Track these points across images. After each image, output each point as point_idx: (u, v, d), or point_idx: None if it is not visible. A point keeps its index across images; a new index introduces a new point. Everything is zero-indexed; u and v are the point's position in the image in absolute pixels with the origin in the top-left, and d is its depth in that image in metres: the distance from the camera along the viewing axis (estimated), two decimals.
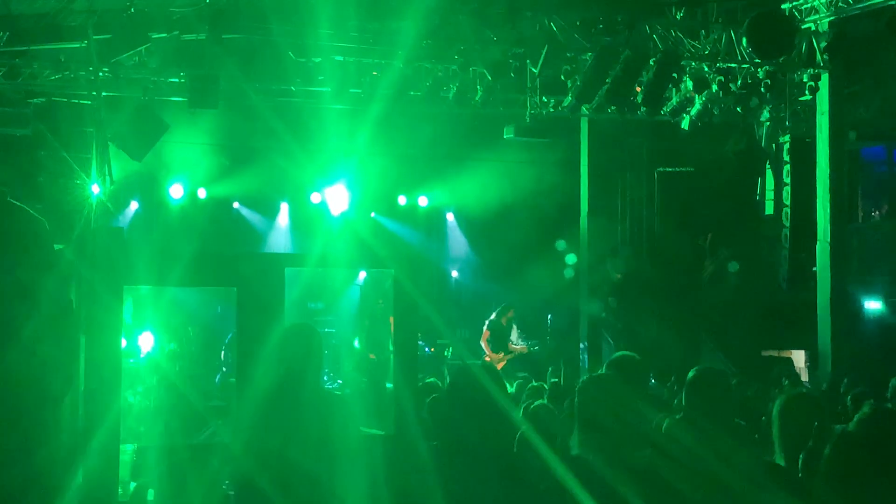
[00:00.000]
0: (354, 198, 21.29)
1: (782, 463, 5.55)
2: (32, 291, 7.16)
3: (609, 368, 5.89)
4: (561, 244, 20.43)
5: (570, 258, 20.00)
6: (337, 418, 5.68)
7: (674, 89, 15.43)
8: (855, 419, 3.70)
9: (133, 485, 9.18)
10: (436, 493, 5.13)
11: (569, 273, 20.10)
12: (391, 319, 14.25)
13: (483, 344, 18.29)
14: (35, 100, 14.02)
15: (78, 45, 13.85)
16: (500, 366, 17.72)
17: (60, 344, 7.63)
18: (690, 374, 5.59)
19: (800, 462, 5.37)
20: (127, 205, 19.88)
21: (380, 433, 9.50)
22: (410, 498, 5.36)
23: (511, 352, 18.29)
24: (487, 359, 17.95)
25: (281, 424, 5.55)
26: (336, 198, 21.18)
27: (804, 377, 17.66)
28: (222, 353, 17.70)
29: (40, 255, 7.14)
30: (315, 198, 21.17)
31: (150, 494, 5.81)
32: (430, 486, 5.20)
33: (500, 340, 18.28)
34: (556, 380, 13.01)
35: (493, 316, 18.62)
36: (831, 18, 15.03)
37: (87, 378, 8.51)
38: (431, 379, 13.19)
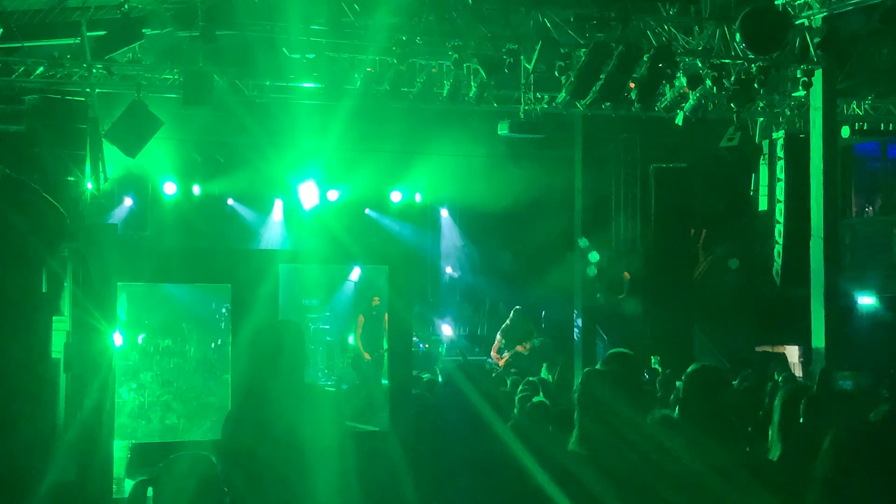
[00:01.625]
0: (348, 194, 21.30)
1: (776, 457, 5.56)
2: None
3: (604, 364, 5.89)
4: (584, 241, 20.26)
5: (593, 256, 19.89)
6: (314, 413, 5.61)
7: (667, 85, 15.43)
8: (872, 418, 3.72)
9: (128, 482, 9.17)
10: (429, 487, 5.13)
11: (591, 271, 20.00)
12: (385, 316, 14.27)
13: (495, 357, 18.30)
14: (29, 96, 13.99)
15: (72, 42, 13.84)
16: (501, 362, 17.78)
17: (33, 332, 7.65)
18: (690, 369, 5.61)
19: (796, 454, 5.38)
20: (121, 201, 19.88)
21: (374, 429, 9.52)
22: (403, 492, 5.37)
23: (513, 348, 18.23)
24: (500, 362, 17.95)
25: (252, 421, 5.49)
26: (329, 194, 21.21)
27: (798, 372, 17.71)
28: (213, 348, 17.71)
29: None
30: (307, 194, 21.18)
31: (150, 492, 5.80)
32: (423, 481, 5.20)
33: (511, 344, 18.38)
34: (549, 376, 13.04)
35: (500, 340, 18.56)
36: (824, 14, 15.04)
37: (80, 374, 8.50)
38: (426, 375, 13.22)
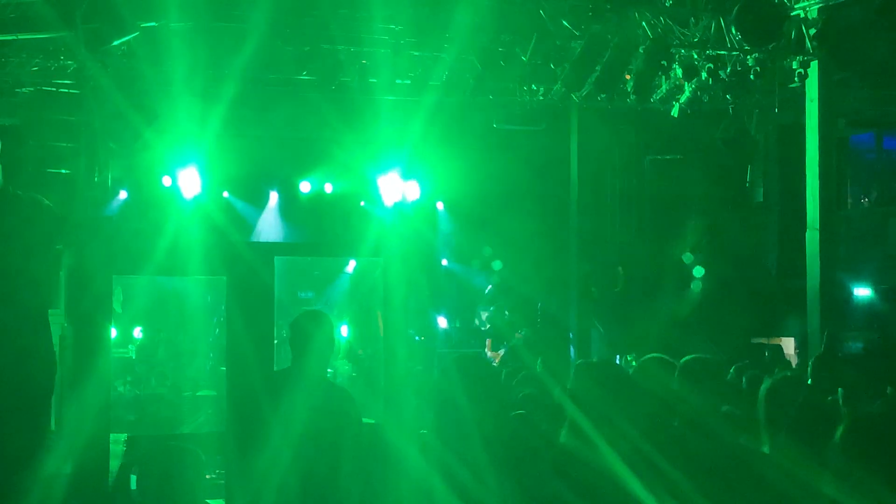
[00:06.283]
0: (343, 186, 21.26)
1: (766, 448, 5.55)
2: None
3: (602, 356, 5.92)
4: (688, 257, 20.39)
5: (698, 271, 19.98)
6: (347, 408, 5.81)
7: (663, 77, 15.42)
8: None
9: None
10: (427, 480, 5.13)
11: (696, 286, 20.13)
12: (378, 313, 14.26)
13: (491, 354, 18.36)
14: (23, 89, 13.96)
15: (66, 34, 13.79)
16: (497, 358, 17.81)
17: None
18: (683, 360, 5.63)
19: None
20: (116, 194, 19.82)
21: (370, 422, 9.52)
22: (397, 486, 5.37)
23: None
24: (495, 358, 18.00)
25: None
26: (323, 186, 21.19)
27: (794, 364, 17.73)
28: (209, 341, 17.71)
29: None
30: (304, 186, 21.14)
31: (133, 482, 5.81)
32: (419, 473, 5.20)
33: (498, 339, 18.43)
34: (544, 368, 13.00)
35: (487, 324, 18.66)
36: (820, 5, 15.01)
37: (75, 366, 8.50)
38: (420, 367, 13.23)
